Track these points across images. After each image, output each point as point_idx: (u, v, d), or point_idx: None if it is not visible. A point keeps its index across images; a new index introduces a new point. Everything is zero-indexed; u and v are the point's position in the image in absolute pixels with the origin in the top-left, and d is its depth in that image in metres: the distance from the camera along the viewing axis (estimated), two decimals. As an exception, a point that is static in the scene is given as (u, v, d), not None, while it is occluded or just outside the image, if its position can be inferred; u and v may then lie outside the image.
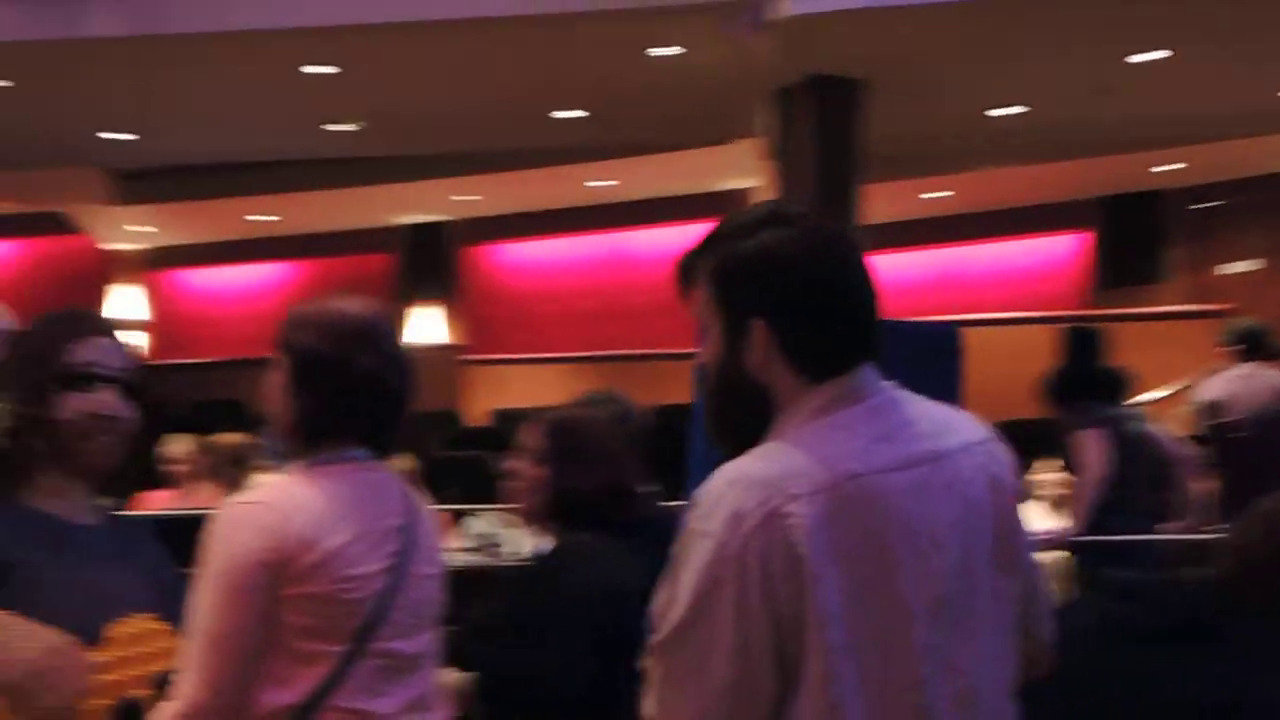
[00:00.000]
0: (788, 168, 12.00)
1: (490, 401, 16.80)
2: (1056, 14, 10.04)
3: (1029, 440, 8.79)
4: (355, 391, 2.51)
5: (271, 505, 2.41)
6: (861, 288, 1.93)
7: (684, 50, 11.06)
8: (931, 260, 18.33)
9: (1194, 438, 7.94)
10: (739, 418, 1.94)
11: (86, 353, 2.51)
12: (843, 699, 1.80)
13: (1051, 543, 6.72)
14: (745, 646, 1.79)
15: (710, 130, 13.83)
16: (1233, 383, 7.84)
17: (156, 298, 20.99)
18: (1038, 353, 8.04)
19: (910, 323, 5.84)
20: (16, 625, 2.31)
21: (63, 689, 2.29)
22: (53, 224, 19.14)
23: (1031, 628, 2.06)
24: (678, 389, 8.22)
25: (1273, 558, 2.75)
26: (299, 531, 2.37)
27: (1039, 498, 7.66)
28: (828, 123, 11.52)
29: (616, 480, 3.40)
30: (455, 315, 19.81)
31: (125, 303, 20.60)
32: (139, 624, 2.43)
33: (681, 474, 4.48)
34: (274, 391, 2.55)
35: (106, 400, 2.51)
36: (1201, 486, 7.47)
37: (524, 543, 6.34)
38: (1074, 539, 6.78)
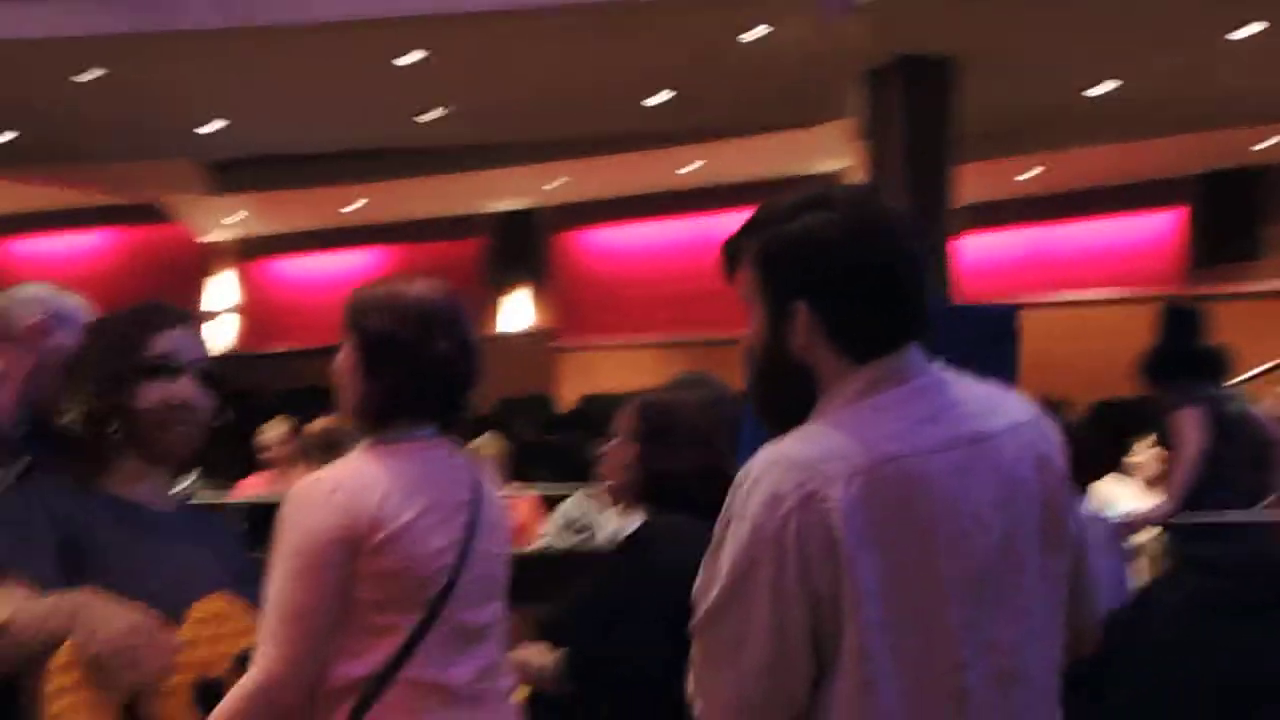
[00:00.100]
0: (878, 149, 11.94)
1: (581, 386, 16.85)
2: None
3: (1126, 419, 8.72)
4: (427, 375, 2.53)
5: (343, 484, 2.45)
6: (906, 269, 1.92)
7: (772, 32, 11.01)
8: (1025, 239, 18.12)
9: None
10: (784, 399, 1.94)
11: (165, 343, 2.56)
12: (876, 677, 1.79)
13: (1148, 521, 6.64)
14: (781, 628, 1.79)
15: (799, 113, 13.76)
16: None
17: (249, 286, 21.20)
18: (1135, 331, 7.91)
19: (967, 306, 5.81)
20: (100, 604, 2.35)
21: (145, 666, 2.33)
22: (149, 215, 19.39)
23: (1079, 605, 2.05)
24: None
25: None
26: (370, 509, 2.41)
27: (1135, 476, 7.57)
28: (918, 103, 11.45)
29: (706, 462, 3.38)
30: (546, 301, 19.85)
31: (221, 292, 20.86)
32: (219, 604, 2.47)
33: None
34: (343, 372, 2.58)
35: (184, 390, 2.55)
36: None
37: (614, 525, 6.35)
38: (1169, 518, 6.68)
